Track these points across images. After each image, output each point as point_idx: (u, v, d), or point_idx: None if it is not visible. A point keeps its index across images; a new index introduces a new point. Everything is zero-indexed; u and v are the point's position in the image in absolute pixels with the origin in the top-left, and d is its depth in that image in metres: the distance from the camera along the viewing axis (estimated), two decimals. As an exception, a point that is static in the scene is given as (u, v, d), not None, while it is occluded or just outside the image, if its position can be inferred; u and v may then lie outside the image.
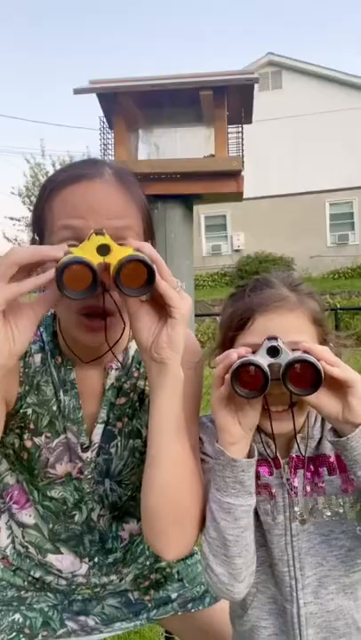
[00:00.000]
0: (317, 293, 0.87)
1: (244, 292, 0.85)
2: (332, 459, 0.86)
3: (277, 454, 0.87)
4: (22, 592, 1.03)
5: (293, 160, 15.43)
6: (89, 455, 0.94)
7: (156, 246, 0.89)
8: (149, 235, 0.87)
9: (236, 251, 16.30)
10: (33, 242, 0.87)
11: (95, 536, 1.01)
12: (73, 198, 0.77)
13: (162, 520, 0.80)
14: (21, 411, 0.90)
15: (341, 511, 0.85)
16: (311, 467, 0.87)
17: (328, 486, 0.86)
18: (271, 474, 0.87)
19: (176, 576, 1.11)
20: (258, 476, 0.86)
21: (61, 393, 0.91)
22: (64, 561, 1.01)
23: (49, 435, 0.92)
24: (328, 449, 0.86)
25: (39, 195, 0.84)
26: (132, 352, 0.96)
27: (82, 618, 1.05)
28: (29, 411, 0.90)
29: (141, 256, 0.71)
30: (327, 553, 0.86)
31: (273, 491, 0.86)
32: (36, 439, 0.91)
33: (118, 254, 0.71)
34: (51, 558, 1.01)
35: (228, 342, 0.84)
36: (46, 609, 1.03)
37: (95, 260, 0.70)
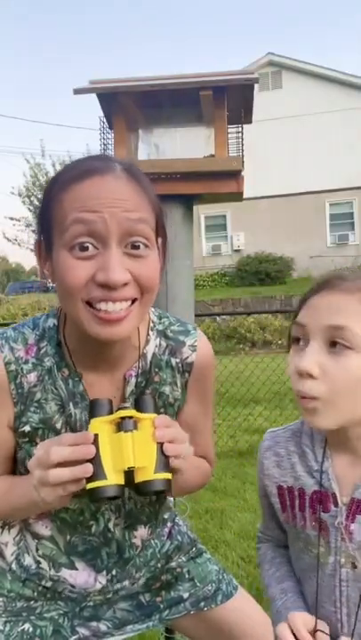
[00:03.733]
0: None
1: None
2: None
3: (338, 492, 0.81)
4: (32, 602, 1.00)
5: (293, 160, 15.43)
6: None
7: (167, 244, 0.89)
8: (162, 231, 0.85)
9: (236, 251, 16.30)
10: (39, 243, 0.84)
11: (112, 548, 1.00)
12: (85, 193, 0.75)
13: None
14: (20, 430, 0.89)
15: None
16: None
17: None
18: (328, 510, 0.81)
19: (187, 575, 1.10)
20: (314, 510, 0.83)
21: (71, 406, 0.89)
22: (78, 578, 0.99)
23: None
24: None
25: (46, 193, 0.81)
26: (149, 357, 0.94)
27: (93, 623, 1.03)
28: (27, 428, 0.89)
29: (164, 487, 0.74)
30: None
31: (326, 530, 0.81)
32: None
33: (142, 468, 0.73)
34: (65, 573, 0.99)
35: (292, 321, 0.81)
36: (56, 617, 1.01)
37: (121, 474, 0.73)
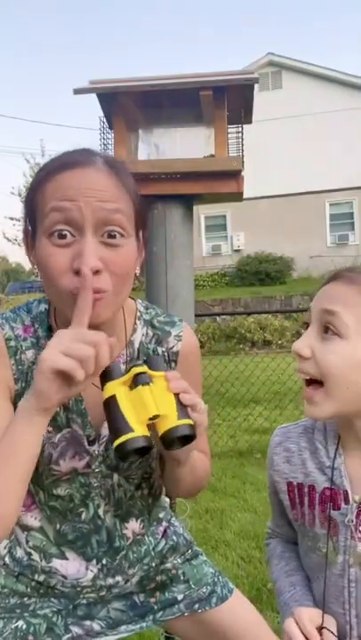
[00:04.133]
0: None
1: None
2: None
3: (350, 489, 0.80)
4: (25, 599, 1.01)
5: (293, 160, 15.42)
6: (96, 448, 0.94)
7: (147, 235, 0.91)
8: (141, 222, 0.87)
9: (236, 251, 16.30)
10: (26, 232, 0.87)
11: (102, 536, 1.00)
12: (65, 183, 0.79)
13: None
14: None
15: None
16: None
17: None
18: (339, 508, 0.81)
19: (182, 577, 1.10)
20: (324, 507, 0.82)
21: None
22: (69, 567, 1.00)
23: (50, 429, 0.91)
24: None
25: (32, 183, 0.85)
26: (136, 344, 0.97)
27: (87, 622, 1.03)
28: None
29: (190, 431, 0.75)
30: None
31: (335, 528, 0.81)
32: None
33: (165, 418, 0.74)
34: (55, 564, 1.00)
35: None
36: (50, 614, 1.01)
37: (145, 426, 0.74)
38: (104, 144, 1.54)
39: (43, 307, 0.95)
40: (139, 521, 1.04)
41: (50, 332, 0.92)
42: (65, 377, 0.72)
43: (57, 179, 0.79)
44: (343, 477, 0.81)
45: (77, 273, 0.76)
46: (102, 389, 0.78)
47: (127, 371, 0.79)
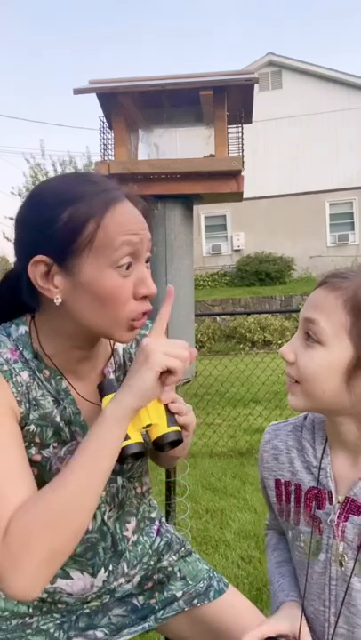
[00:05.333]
0: None
1: None
2: None
3: (334, 490, 0.82)
4: (27, 618, 1.00)
5: (293, 160, 15.43)
6: None
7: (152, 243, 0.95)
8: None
9: (236, 251, 16.29)
10: (50, 261, 0.83)
11: (108, 542, 1.01)
12: (124, 217, 0.83)
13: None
14: (25, 428, 0.89)
15: None
16: None
17: None
18: (323, 507, 0.82)
19: (178, 574, 1.12)
20: (309, 506, 0.84)
21: (62, 401, 0.92)
22: (74, 586, 1.00)
23: (56, 445, 0.91)
24: None
25: (62, 209, 0.81)
26: (121, 351, 1.01)
27: (90, 632, 1.04)
28: (33, 427, 0.89)
29: (178, 437, 0.85)
30: None
31: (319, 526, 0.82)
32: (44, 452, 0.90)
33: (156, 426, 0.84)
34: (60, 583, 0.99)
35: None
36: (52, 630, 1.01)
37: (140, 433, 0.85)
38: (104, 144, 1.54)
39: (22, 329, 0.91)
40: (135, 520, 1.06)
41: (35, 356, 0.90)
42: (162, 377, 0.81)
43: (116, 211, 0.83)
44: (329, 478, 0.82)
45: (142, 298, 0.84)
46: (101, 401, 0.87)
47: (118, 379, 0.87)
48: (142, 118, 1.63)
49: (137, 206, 0.88)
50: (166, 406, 0.86)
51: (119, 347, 1.01)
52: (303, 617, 0.83)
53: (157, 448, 0.85)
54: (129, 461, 0.85)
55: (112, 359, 0.99)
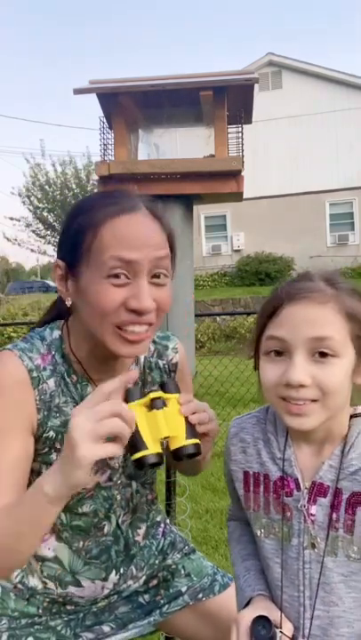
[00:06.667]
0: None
1: (285, 281, 0.84)
2: None
3: (300, 477, 0.85)
4: (36, 618, 1.02)
5: (293, 160, 15.43)
6: (116, 461, 0.99)
7: (175, 265, 0.96)
8: (173, 256, 0.93)
9: (236, 251, 16.29)
10: (59, 263, 0.90)
11: (120, 545, 1.04)
12: (122, 231, 0.84)
13: None
14: (44, 435, 0.92)
15: None
16: (342, 499, 0.81)
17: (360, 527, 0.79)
18: (291, 494, 0.85)
19: (182, 572, 1.14)
20: (278, 494, 0.87)
21: None
22: (85, 592, 1.03)
23: None
24: None
25: (78, 221, 0.88)
26: (142, 360, 1.04)
27: (96, 627, 1.07)
28: (52, 433, 0.92)
29: (196, 450, 0.86)
30: (344, 594, 0.81)
31: (289, 513, 0.85)
32: None
33: (175, 437, 0.85)
34: (71, 589, 1.02)
35: (259, 329, 0.84)
36: (60, 627, 1.03)
37: (158, 443, 0.84)
38: (104, 144, 1.54)
39: (56, 333, 0.97)
40: (145, 525, 1.10)
41: (64, 359, 0.95)
42: (115, 439, 0.77)
43: (114, 225, 0.84)
44: (294, 467, 0.86)
45: (132, 311, 0.84)
46: None
47: (142, 392, 0.86)
48: (142, 118, 1.63)
49: (161, 221, 0.89)
50: (186, 417, 0.87)
51: (141, 356, 1.03)
52: (279, 605, 0.85)
53: (175, 458, 0.86)
54: (146, 469, 0.85)
55: (133, 365, 1.02)
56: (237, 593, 0.94)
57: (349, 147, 15.23)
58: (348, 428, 0.84)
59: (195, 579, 1.13)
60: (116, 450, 0.76)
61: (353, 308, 0.78)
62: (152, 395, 0.87)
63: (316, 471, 0.84)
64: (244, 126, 1.56)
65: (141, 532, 1.08)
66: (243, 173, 1.50)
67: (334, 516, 0.81)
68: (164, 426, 0.84)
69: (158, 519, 1.17)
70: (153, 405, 0.86)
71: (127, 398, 0.86)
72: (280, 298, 0.80)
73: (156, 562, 1.12)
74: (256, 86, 1.49)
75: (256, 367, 0.86)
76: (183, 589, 1.12)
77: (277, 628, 0.82)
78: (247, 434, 0.94)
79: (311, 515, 0.83)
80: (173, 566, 1.14)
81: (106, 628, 1.06)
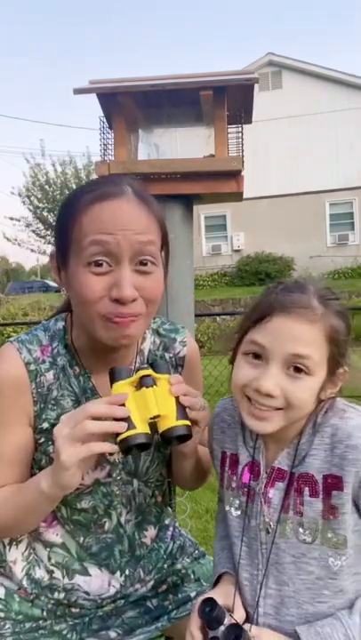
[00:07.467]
0: (349, 313, 0.85)
1: (277, 287, 0.84)
2: (318, 480, 0.82)
3: (261, 462, 0.89)
4: (40, 622, 1.01)
5: (293, 160, 15.43)
6: (116, 457, 0.97)
7: (169, 256, 0.95)
8: (165, 246, 0.93)
9: (236, 251, 16.30)
10: (56, 254, 0.91)
11: (125, 545, 1.02)
12: (101, 216, 0.82)
13: None
14: (39, 427, 0.93)
15: (315, 538, 0.82)
16: (295, 484, 0.85)
17: (308, 508, 0.83)
18: (257, 479, 0.90)
19: (192, 576, 1.12)
20: (245, 477, 0.91)
21: (84, 401, 0.94)
22: (92, 583, 1.01)
23: None
24: (315, 469, 0.83)
25: (63, 210, 0.89)
26: (146, 352, 1.03)
27: (102, 632, 1.04)
28: (46, 424, 0.93)
29: (186, 431, 0.82)
30: (294, 575, 0.85)
31: (252, 496, 0.89)
32: None
33: (165, 418, 0.81)
34: (78, 580, 1.00)
35: (243, 330, 0.85)
36: (65, 631, 1.02)
37: (147, 424, 0.80)
38: (104, 144, 1.54)
39: (60, 324, 0.98)
40: (155, 528, 1.08)
41: (66, 349, 0.96)
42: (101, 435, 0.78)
43: (93, 210, 0.83)
44: (260, 453, 0.90)
45: (115, 300, 0.83)
46: (111, 387, 0.83)
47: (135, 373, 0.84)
48: (142, 118, 1.63)
49: (149, 206, 0.87)
50: (177, 398, 0.83)
51: (145, 347, 1.03)
52: (237, 588, 0.90)
53: (165, 441, 0.83)
54: (133, 452, 0.82)
55: (137, 357, 1.01)
56: (213, 568, 1.00)
57: (349, 147, 15.23)
58: (309, 415, 0.86)
59: (205, 584, 1.11)
60: (99, 447, 0.77)
61: (337, 330, 0.81)
62: (142, 372, 0.83)
63: (276, 457, 0.88)
64: (244, 126, 1.56)
65: (149, 534, 1.07)
66: (243, 173, 1.50)
67: (286, 498, 0.85)
68: (153, 405, 0.80)
69: (167, 522, 1.15)
70: (142, 383, 0.82)
71: (115, 376, 0.84)
72: (272, 306, 0.81)
73: (165, 566, 1.10)
74: (256, 86, 1.49)
75: (232, 362, 0.88)
76: (192, 594, 1.10)
77: (229, 611, 0.86)
78: (228, 415, 0.97)
79: (268, 497, 0.87)
80: (183, 571, 1.12)
81: (112, 634, 1.03)
